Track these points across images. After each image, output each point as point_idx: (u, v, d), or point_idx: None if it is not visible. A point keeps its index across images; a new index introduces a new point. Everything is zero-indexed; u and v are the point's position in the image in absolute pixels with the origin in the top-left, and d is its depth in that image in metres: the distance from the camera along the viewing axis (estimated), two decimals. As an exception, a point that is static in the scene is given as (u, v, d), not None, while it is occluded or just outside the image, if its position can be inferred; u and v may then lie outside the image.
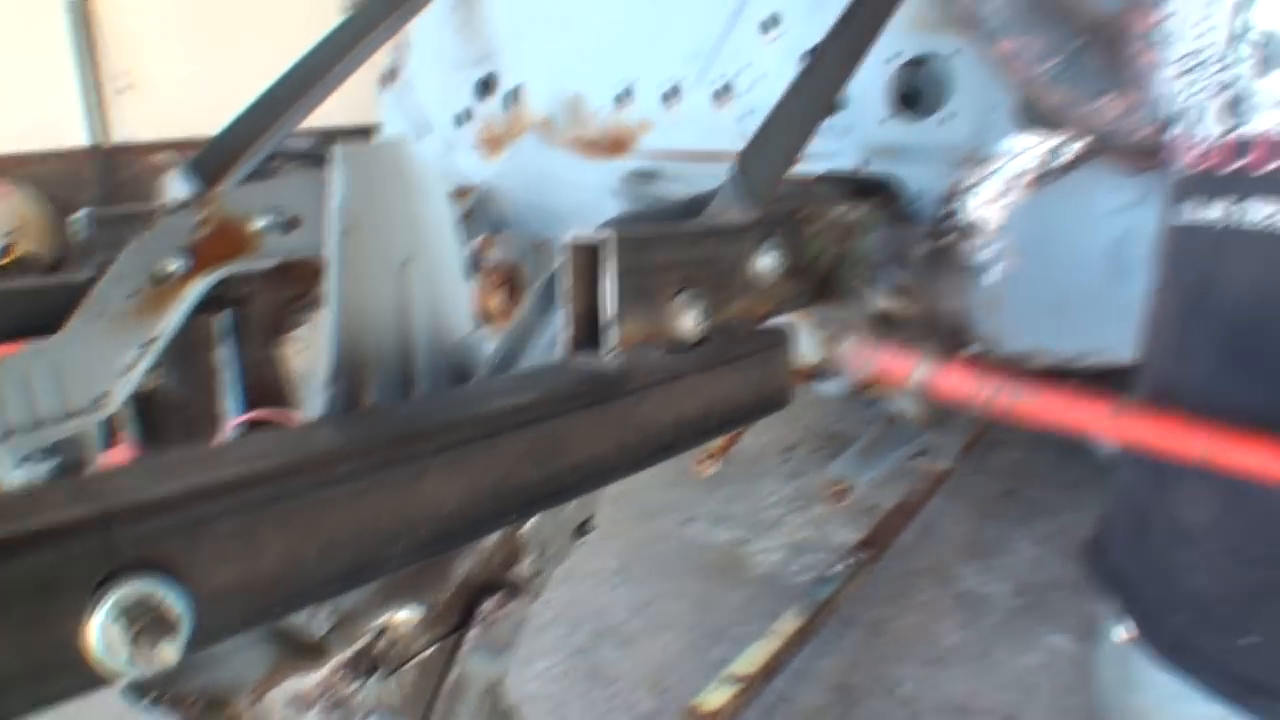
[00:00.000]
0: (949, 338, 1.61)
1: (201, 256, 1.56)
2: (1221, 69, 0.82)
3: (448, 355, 0.85)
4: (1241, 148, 0.81)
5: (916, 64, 1.58)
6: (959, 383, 0.74)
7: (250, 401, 1.81)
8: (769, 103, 1.75)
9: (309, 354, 1.92)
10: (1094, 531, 1.12)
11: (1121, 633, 1.03)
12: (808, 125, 1.17)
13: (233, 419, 1.75)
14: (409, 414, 0.66)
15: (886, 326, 1.45)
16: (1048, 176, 1.49)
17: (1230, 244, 0.83)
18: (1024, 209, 1.53)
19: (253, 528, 0.50)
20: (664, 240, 0.85)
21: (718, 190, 1.07)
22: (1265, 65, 0.78)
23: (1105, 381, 1.50)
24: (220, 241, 1.65)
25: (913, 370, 0.77)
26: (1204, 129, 0.84)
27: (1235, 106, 0.81)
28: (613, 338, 0.78)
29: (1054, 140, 1.45)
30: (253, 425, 1.77)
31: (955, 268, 1.55)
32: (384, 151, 0.82)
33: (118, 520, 0.47)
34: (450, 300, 0.85)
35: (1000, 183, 1.51)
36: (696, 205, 1.07)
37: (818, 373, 1.53)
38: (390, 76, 2.74)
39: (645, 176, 2.02)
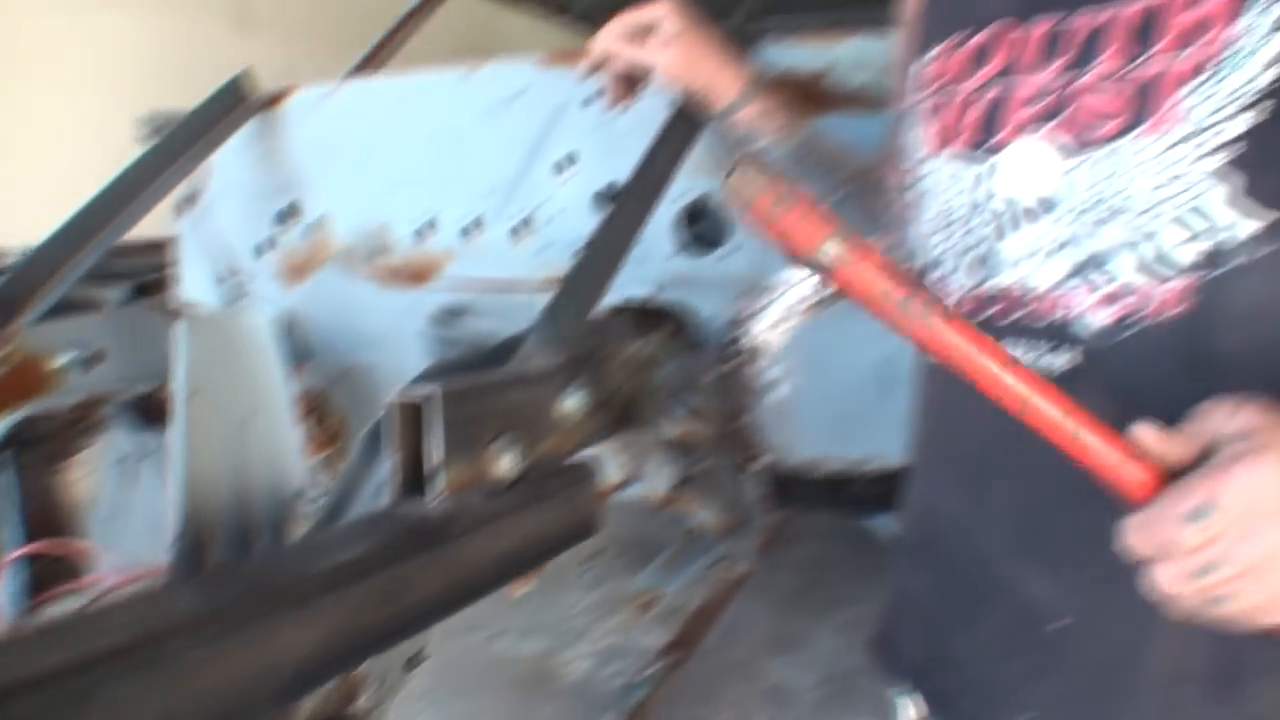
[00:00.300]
0: (741, 452, 1.75)
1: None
2: (968, 230, 0.95)
3: (284, 506, 0.91)
4: (989, 300, 0.93)
5: (700, 204, 1.74)
6: (868, 279, 0.73)
7: (31, 532, 1.77)
8: (565, 237, 1.88)
9: (92, 480, 1.90)
10: (880, 623, 1.22)
11: (912, 713, 1.14)
12: (608, 273, 1.29)
13: (10, 553, 1.70)
14: (263, 571, 0.72)
15: (682, 449, 1.56)
16: (821, 304, 1.66)
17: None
18: (802, 332, 1.69)
19: (131, 694, 0.55)
20: (482, 391, 0.93)
21: (526, 335, 1.17)
22: (1005, 229, 0.92)
23: (886, 483, 1.66)
24: (19, 380, 1.63)
25: (822, 243, 0.73)
26: (957, 280, 0.97)
27: (982, 263, 0.93)
28: (439, 485, 0.85)
29: (825, 273, 1.63)
30: (34, 559, 1.72)
31: (743, 388, 1.69)
32: (224, 320, 0.88)
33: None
34: (286, 455, 0.91)
35: (780, 310, 1.67)
36: (506, 349, 1.16)
37: (620, 488, 1.64)
38: (188, 202, 2.73)
39: (452, 313, 2.10)
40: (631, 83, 1.43)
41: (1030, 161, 0.90)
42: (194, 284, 2.59)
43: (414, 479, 0.86)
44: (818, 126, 1.36)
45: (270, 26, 5.19)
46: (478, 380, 0.96)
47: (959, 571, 1.04)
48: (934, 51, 1.03)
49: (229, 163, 2.50)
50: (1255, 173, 0.79)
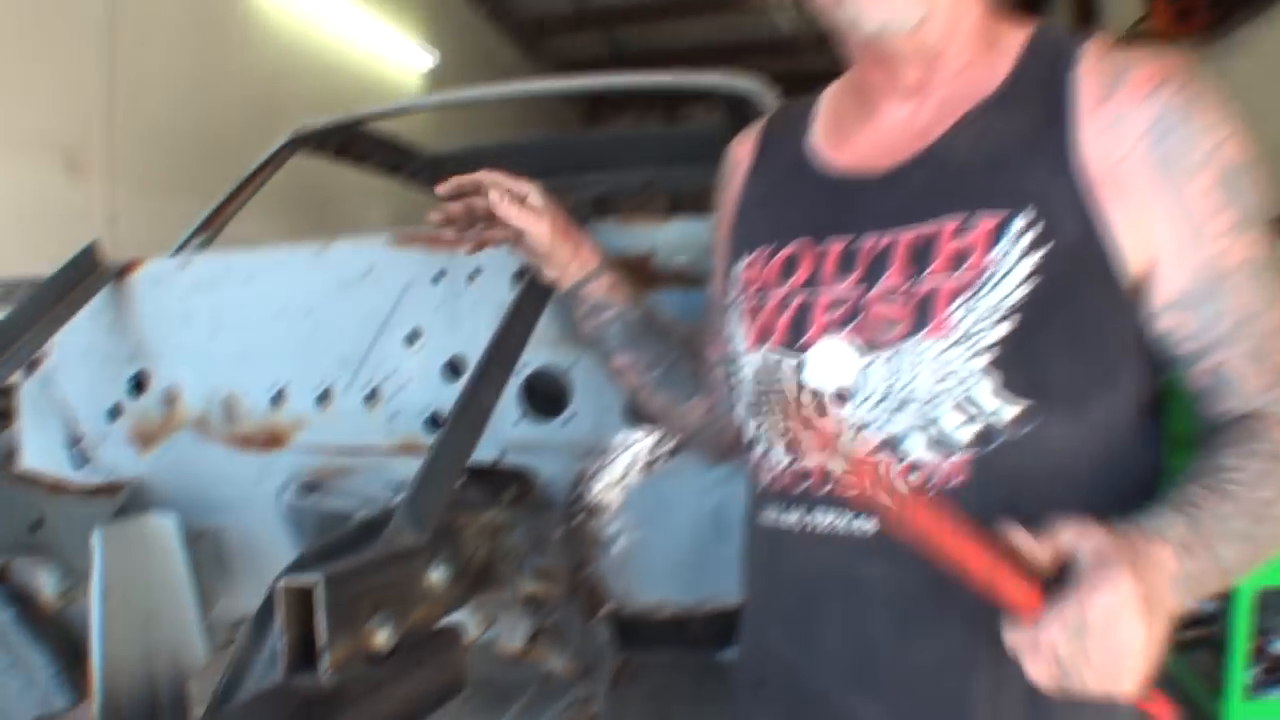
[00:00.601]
0: (589, 601, 1.88)
1: None
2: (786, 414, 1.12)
3: (186, 686, 1.00)
4: (804, 474, 1.09)
5: (541, 373, 1.90)
6: (872, 480, 0.88)
7: None
8: (415, 405, 2.01)
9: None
10: None
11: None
12: (468, 448, 1.42)
13: None
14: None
15: (535, 605, 1.69)
16: (656, 462, 1.83)
17: (801, 543, 1.11)
18: (640, 489, 1.85)
19: None
20: (360, 573, 1.05)
21: (391, 513, 1.29)
22: (815, 414, 1.08)
23: (725, 620, 1.81)
24: None
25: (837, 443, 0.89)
26: (775, 456, 1.13)
27: (796, 444, 1.10)
28: (325, 662, 0.96)
29: (658, 434, 1.81)
30: None
31: (588, 542, 1.84)
32: (136, 526, 0.98)
33: None
34: (188, 642, 1.00)
35: (619, 469, 1.84)
36: (374, 526, 1.28)
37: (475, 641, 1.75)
38: (32, 366, 2.73)
39: (310, 488, 2.18)
40: (481, 244, 1.53)
41: (833, 358, 1.07)
42: (38, 449, 2.59)
43: (303, 656, 0.97)
44: (656, 298, 1.53)
45: (101, 171, 5.21)
46: (356, 563, 1.08)
47: (796, 707, 1.17)
48: (748, 259, 1.22)
49: (76, 328, 2.53)
50: (1010, 370, 0.99)
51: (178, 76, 5.32)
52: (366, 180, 4.16)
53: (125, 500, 2.48)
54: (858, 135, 1.20)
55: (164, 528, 1.03)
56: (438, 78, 8.60)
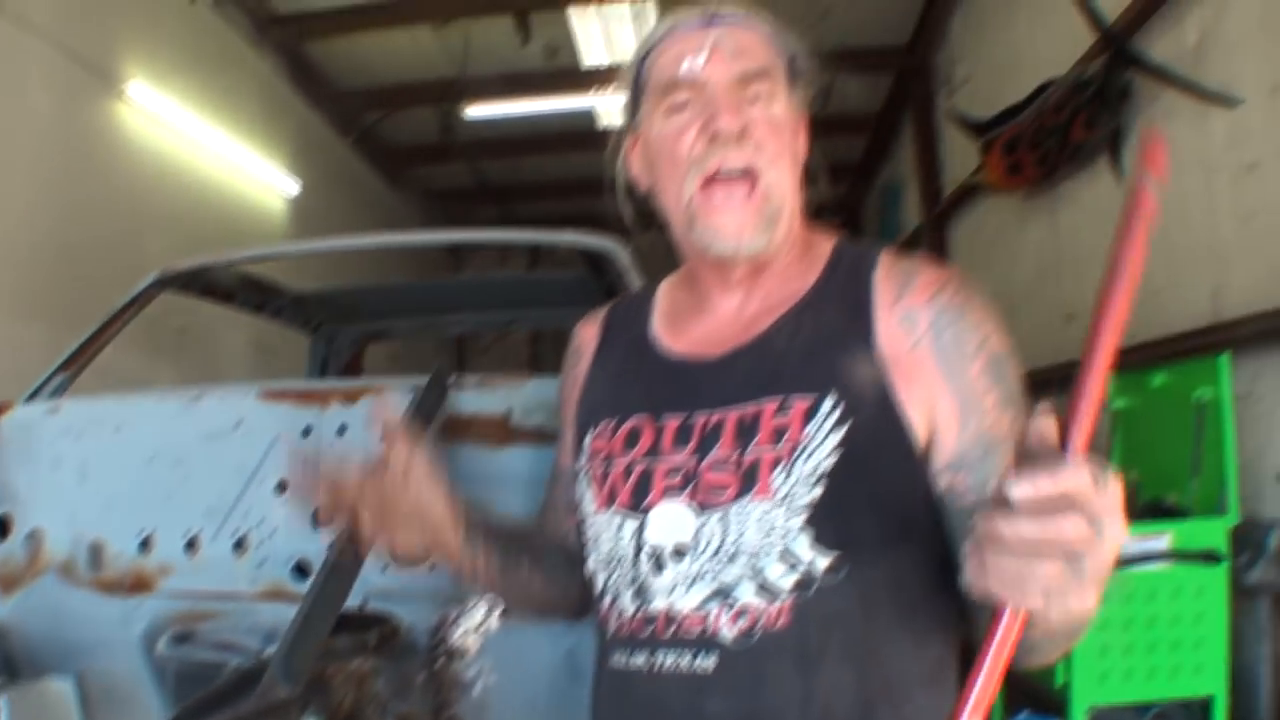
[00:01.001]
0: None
1: None
2: (629, 568, 1.26)
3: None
4: (649, 620, 1.24)
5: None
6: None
7: None
8: (282, 553, 2.11)
9: None
10: None
11: None
12: (339, 601, 1.54)
13: None
14: None
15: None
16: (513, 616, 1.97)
17: (648, 683, 1.23)
18: (498, 634, 1.98)
19: None
20: (240, 730, 1.18)
21: (265, 664, 1.40)
22: (657, 567, 1.24)
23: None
24: None
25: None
26: (622, 605, 1.27)
27: (641, 594, 1.25)
28: (208, 814, 1.08)
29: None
30: None
31: (449, 685, 1.96)
32: (37, 693, 1.06)
33: None
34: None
35: (478, 615, 1.97)
36: (247, 679, 1.39)
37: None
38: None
39: (180, 638, 2.24)
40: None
41: (672, 518, 1.24)
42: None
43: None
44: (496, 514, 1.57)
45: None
46: (232, 717, 1.20)
47: None
48: (596, 430, 1.37)
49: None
50: (823, 526, 1.17)
51: (38, 196, 5.27)
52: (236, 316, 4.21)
53: (-16, 645, 2.48)
54: (692, 325, 1.39)
55: (62, 692, 1.13)
56: (303, 203, 8.69)
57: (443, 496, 1.32)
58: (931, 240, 8.49)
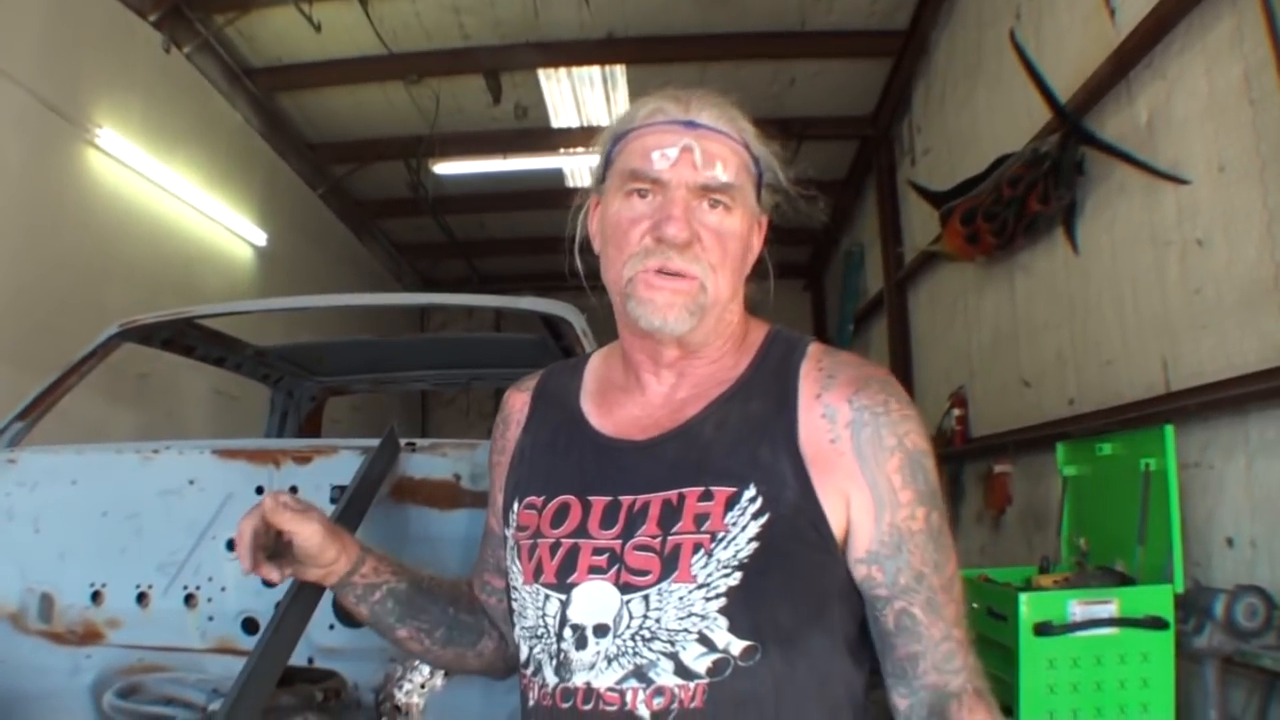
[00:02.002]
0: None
1: None
2: (552, 641, 1.29)
3: None
4: (569, 694, 1.26)
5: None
6: None
7: None
8: (231, 608, 2.12)
9: None
10: None
11: None
12: (283, 659, 1.56)
13: None
14: None
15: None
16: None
17: None
18: (442, 692, 2.00)
19: None
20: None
21: (211, 719, 1.41)
22: (579, 643, 1.26)
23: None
24: None
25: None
26: (544, 676, 1.30)
27: (563, 667, 1.27)
28: None
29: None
30: None
31: (393, 744, 1.97)
32: None
33: None
34: None
35: (423, 673, 1.99)
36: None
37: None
38: None
39: (129, 690, 2.22)
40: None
41: (596, 597, 1.27)
42: None
43: None
44: (416, 569, 1.56)
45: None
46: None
47: None
48: (523, 502, 1.40)
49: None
50: (739, 613, 1.21)
51: (3, 239, 5.25)
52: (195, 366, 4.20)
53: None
54: (623, 403, 1.42)
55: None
56: (270, 252, 8.70)
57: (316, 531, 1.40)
58: (892, 305, 8.63)
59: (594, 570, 1.28)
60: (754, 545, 1.22)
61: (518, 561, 1.38)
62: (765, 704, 1.22)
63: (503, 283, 13.67)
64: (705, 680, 1.21)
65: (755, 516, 1.23)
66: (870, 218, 9.56)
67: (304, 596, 1.61)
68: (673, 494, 1.27)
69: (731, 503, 1.24)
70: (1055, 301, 5.24)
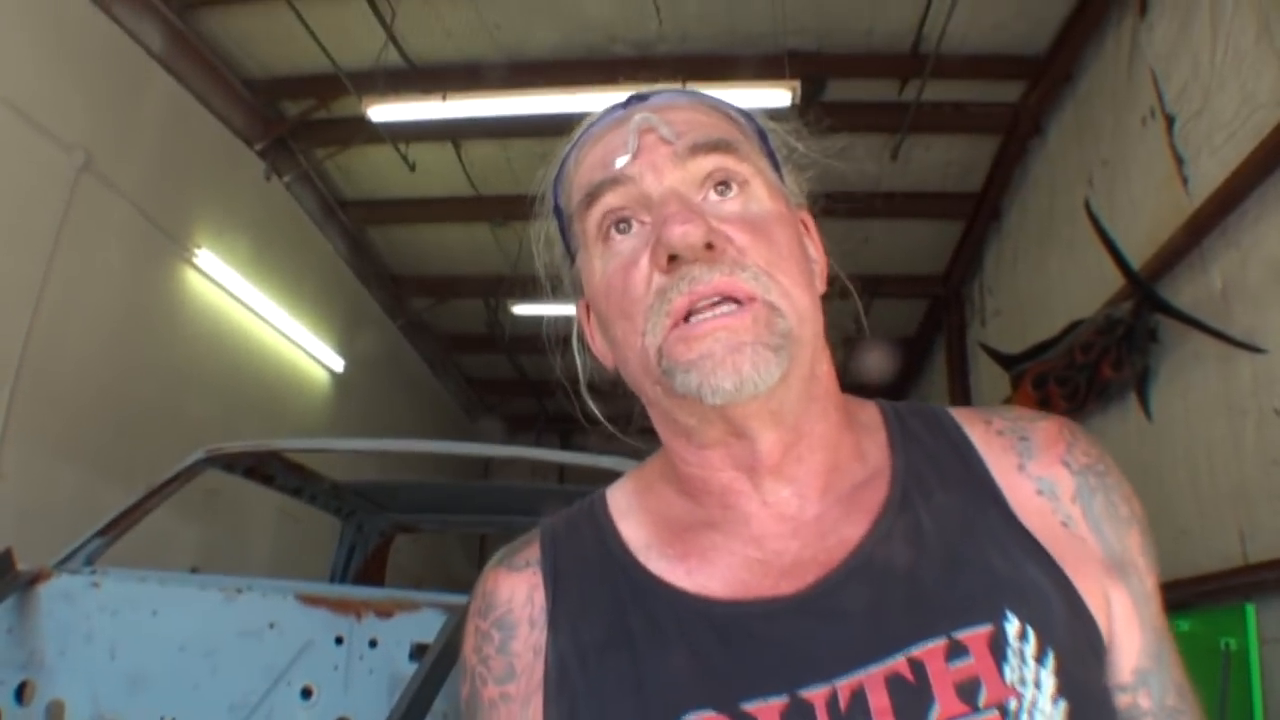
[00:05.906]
0: None
1: None
2: None
3: None
4: None
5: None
6: None
7: None
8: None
9: None
10: None
11: None
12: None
13: None
14: None
15: None
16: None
17: None
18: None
19: None
20: None
21: None
22: None
23: None
24: None
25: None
26: None
27: None
28: None
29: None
30: None
31: None
32: None
33: None
34: None
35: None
36: None
37: None
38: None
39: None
40: None
41: None
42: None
43: None
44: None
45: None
46: None
47: None
48: None
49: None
50: None
51: (97, 345, 5.42)
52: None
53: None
54: (716, 548, 0.90)
55: None
56: (346, 379, 8.88)
57: None
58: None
59: None
60: (1063, 706, 0.76)
61: None
62: None
63: (569, 423, 13.78)
64: None
65: (1039, 660, 0.77)
66: (939, 375, 9.52)
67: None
68: (898, 661, 0.78)
69: (997, 649, 0.77)
70: (1128, 468, 4.98)
